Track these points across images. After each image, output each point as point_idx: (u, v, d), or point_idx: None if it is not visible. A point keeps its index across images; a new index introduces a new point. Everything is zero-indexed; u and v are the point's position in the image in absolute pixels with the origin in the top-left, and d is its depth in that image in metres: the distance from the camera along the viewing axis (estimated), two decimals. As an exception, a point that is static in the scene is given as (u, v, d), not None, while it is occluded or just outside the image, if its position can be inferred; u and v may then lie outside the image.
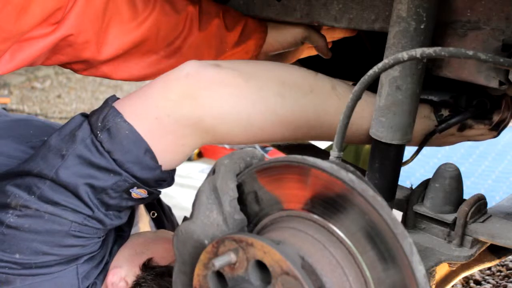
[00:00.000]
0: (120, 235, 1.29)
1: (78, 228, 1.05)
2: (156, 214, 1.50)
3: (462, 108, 1.20)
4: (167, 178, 1.08)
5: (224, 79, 1.04)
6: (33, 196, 1.03)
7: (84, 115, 1.09)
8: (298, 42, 1.38)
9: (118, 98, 1.08)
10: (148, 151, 1.02)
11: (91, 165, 1.02)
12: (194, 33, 1.23)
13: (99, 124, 1.02)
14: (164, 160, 1.04)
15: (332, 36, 1.48)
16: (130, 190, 1.05)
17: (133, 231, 1.40)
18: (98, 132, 1.02)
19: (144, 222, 1.47)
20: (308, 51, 1.52)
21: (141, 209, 1.46)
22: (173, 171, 1.10)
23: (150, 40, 1.18)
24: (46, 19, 1.02)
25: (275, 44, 1.36)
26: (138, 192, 1.06)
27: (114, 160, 1.01)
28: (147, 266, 1.23)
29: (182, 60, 1.15)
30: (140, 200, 1.09)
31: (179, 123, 1.02)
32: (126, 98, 1.07)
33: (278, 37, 1.35)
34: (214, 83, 1.03)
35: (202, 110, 1.02)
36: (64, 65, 1.17)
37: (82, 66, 1.16)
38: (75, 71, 1.20)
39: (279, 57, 1.44)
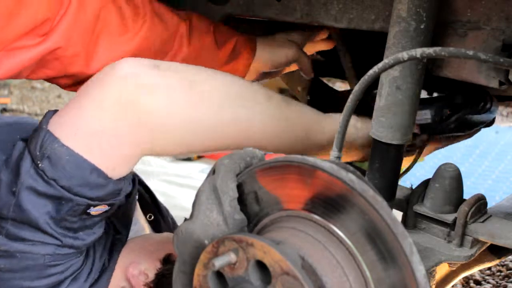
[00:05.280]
0: (118, 238, 1.28)
1: (52, 259, 1.04)
2: (152, 217, 1.49)
3: (459, 106, 1.22)
4: (123, 186, 1.05)
5: (164, 83, 0.99)
6: (0, 236, 1.01)
7: (24, 140, 1.03)
8: (289, 63, 1.38)
9: (55, 112, 1.03)
10: (94, 170, 0.98)
11: (42, 196, 0.98)
12: (184, 50, 1.20)
13: (38, 153, 0.98)
14: (114, 173, 1.01)
15: (314, 49, 1.49)
16: (88, 211, 1.02)
17: (136, 228, 1.40)
18: (39, 162, 0.97)
19: (142, 222, 1.47)
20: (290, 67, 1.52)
21: (138, 210, 1.45)
22: (128, 176, 1.06)
23: (140, 56, 1.13)
24: (34, 29, 0.99)
25: (268, 64, 1.35)
26: (98, 209, 1.03)
27: (62, 187, 0.97)
28: (168, 260, 1.23)
29: None
30: (105, 214, 1.07)
31: (117, 134, 0.97)
32: (62, 114, 1.02)
33: (272, 57, 1.34)
34: (154, 87, 0.98)
35: (140, 117, 0.97)
36: (50, 80, 1.13)
37: (69, 81, 1.12)
38: (62, 86, 1.16)
39: (267, 74, 1.43)
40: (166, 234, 1.42)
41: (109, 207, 1.05)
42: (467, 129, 1.37)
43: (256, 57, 1.32)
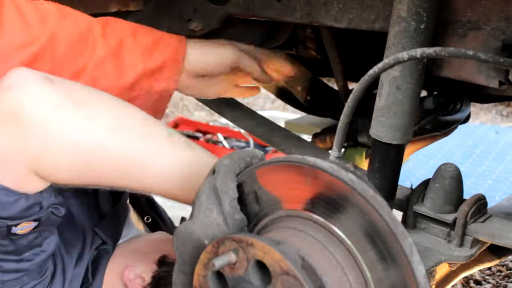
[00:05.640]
0: (104, 249, 1.27)
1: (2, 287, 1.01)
2: (150, 219, 1.48)
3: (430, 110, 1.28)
4: (42, 199, 0.98)
5: (53, 99, 0.90)
6: None
7: None
8: (226, 67, 1.22)
9: None
10: None
11: None
12: (99, 49, 1.08)
13: None
14: (24, 188, 0.94)
15: (272, 65, 1.32)
16: (12, 231, 0.97)
17: (131, 234, 1.39)
18: None
19: (140, 227, 1.46)
20: (244, 80, 1.33)
21: (132, 218, 1.44)
22: (48, 189, 0.98)
23: (47, 57, 1.04)
24: None
25: (198, 64, 1.19)
26: (23, 227, 0.98)
27: None
28: (164, 262, 1.22)
29: (90, 82, 1.05)
30: (38, 230, 1.01)
31: (7, 150, 0.90)
32: None
33: (202, 56, 1.20)
34: (41, 102, 0.89)
35: (24, 132, 0.89)
36: None
37: None
38: None
39: (208, 84, 1.25)
40: (158, 234, 1.41)
41: (37, 223, 1.00)
42: (443, 128, 1.46)
43: (186, 57, 1.18)
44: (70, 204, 1.25)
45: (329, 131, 1.63)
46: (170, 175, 0.94)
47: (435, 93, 1.60)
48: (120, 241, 1.34)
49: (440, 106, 1.46)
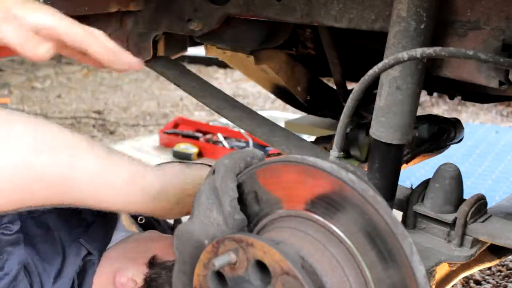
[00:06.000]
0: (89, 260, 1.26)
1: None
2: (143, 220, 1.47)
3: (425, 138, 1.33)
4: None
5: None
6: None
7: None
8: None
9: None
10: None
11: None
12: None
13: None
14: None
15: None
16: None
17: (124, 235, 1.38)
18: None
19: (134, 228, 1.45)
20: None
21: (123, 220, 1.43)
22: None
23: None
24: None
25: None
26: None
27: None
28: (154, 263, 1.22)
29: None
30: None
31: None
32: None
33: None
34: None
35: None
36: None
37: None
38: None
39: None
40: (149, 233, 1.40)
41: None
42: (436, 150, 1.53)
43: None
44: (45, 218, 1.24)
45: (323, 140, 1.64)
46: (100, 184, 0.95)
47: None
48: (110, 245, 1.33)
49: (434, 135, 1.49)
